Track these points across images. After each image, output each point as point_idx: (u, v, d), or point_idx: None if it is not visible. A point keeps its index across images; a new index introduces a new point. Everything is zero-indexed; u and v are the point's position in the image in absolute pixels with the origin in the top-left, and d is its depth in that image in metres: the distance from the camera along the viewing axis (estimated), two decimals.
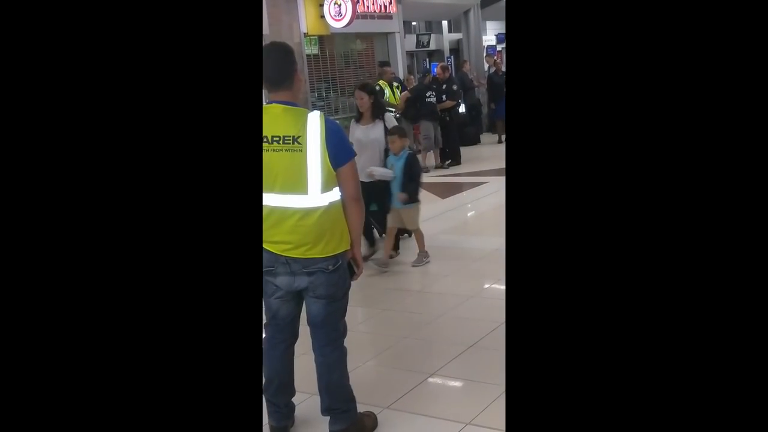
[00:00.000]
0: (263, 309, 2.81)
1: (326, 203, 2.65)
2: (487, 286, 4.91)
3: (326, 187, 2.63)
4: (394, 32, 13.29)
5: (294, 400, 3.01)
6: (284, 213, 2.64)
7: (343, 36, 12.33)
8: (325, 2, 11.19)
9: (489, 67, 13.58)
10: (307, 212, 2.62)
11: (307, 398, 3.16)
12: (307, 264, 2.67)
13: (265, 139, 2.58)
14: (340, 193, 2.70)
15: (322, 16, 11.22)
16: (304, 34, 11.16)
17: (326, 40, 12.02)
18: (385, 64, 12.06)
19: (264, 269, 2.69)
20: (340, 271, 2.76)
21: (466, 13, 14.97)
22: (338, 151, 2.64)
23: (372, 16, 12.64)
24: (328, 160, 2.61)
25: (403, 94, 10.81)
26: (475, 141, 13.00)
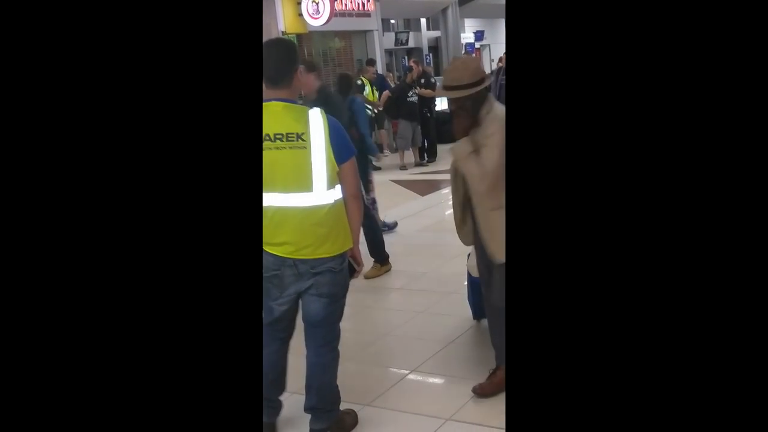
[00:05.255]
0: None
1: (332, 201, 2.64)
2: (465, 282, 4.94)
3: (331, 184, 2.62)
4: (372, 30, 13.31)
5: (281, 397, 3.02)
6: (287, 213, 2.61)
7: (321, 34, 12.33)
8: (303, 0, 11.17)
9: None
10: (313, 210, 2.61)
11: (288, 396, 3.18)
12: (315, 264, 2.66)
13: (266, 137, 2.56)
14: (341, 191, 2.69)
15: (300, 14, 11.22)
16: (282, 32, 11.16)
17: (304, 38, 12.01)
18: (371, 62, 12.05)
19: (268, 274, 2.66)
20: (345, 271, 2.77)
21: (444, 10, 15.03)
22: (341, 147, 2.65)
23: (350, 14, 12.66)
24: (332, 156, 2.60)
25: (384, 93, 10.73)
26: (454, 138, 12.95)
